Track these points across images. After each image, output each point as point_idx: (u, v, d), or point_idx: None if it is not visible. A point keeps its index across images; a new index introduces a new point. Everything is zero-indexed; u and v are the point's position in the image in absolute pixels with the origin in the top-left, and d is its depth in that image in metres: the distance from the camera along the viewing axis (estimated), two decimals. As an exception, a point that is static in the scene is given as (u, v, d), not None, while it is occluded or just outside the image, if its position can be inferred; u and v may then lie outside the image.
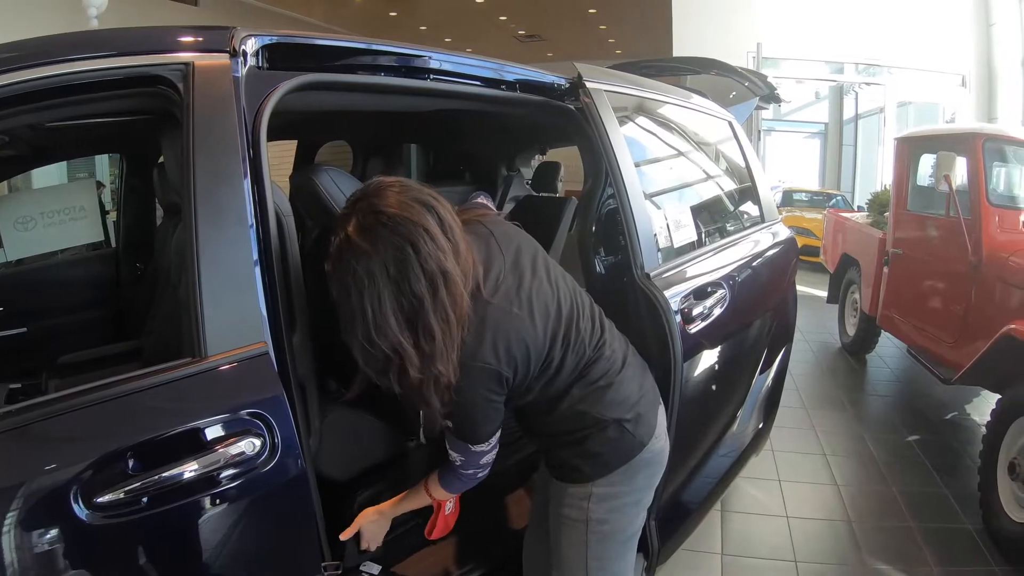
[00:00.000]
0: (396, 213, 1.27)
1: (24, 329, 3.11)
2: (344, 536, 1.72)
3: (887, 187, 6.09)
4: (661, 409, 1.73)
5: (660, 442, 1.69)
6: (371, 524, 1.75)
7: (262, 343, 1.32)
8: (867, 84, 14.26)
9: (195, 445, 1.22)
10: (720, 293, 2.27)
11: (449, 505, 1.77)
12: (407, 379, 1.32)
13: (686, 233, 2.37)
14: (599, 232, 2.19)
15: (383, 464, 2.14)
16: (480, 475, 1.62)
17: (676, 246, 2.30)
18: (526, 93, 2.14)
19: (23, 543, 1.09)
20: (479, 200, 1.89)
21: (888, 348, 6.16)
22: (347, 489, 2.05)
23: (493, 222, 1.61)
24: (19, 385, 2.78)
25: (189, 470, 1.19)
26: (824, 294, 6.83)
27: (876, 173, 13.46)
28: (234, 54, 1.46)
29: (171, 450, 1.21)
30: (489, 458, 1.59)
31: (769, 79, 4.14)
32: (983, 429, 3.38)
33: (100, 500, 1.13)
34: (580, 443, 1.60)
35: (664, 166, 2.67)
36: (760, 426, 3.10)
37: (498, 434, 1.56)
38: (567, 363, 1.55)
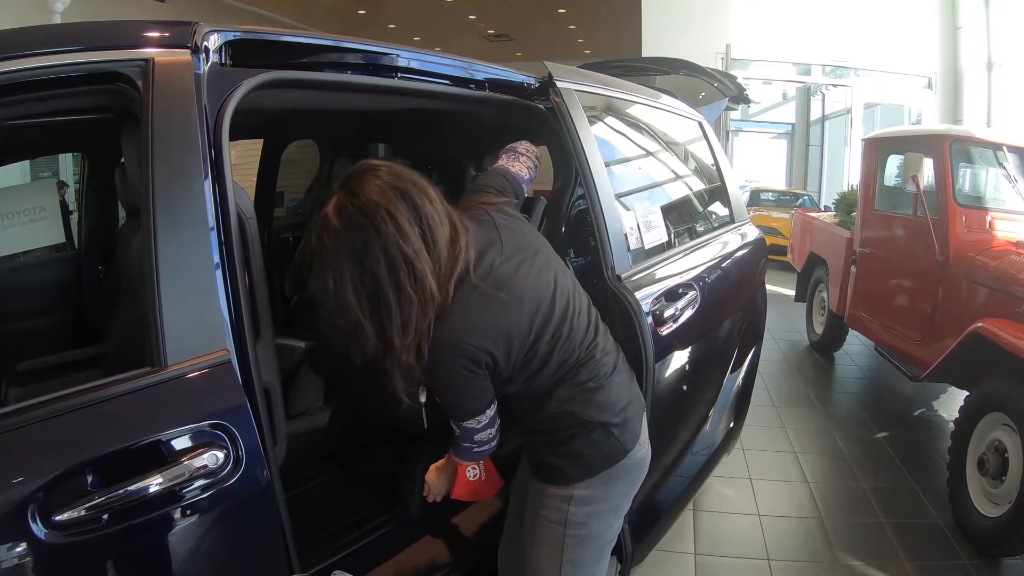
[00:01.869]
0: (368, 198, 1.35)
1: (-17, 334, 3.02)
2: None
3: (854, 187, 6.16)
4: (645, 417, 1.73)
5: (643, 450, 1.69)
6: (433, 479, 1.89)
7: (224, 351, 1.27)
8: (834, 85, 14.42)
9: (156, 459, 1.18)
10: (691, 295, 2.26)
11: (472, 471, 1.83)
12: (366, 351, 1.40)
13: (657, 234, 2.36)
14: (568, 233, 2.18)
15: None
16: (481, 448, 1.66)
17: (647, 247, 2.28)
18: (495, 92, 2.12)
19: None
20: (516, 159, 1.94)
21: (855, 346, 6.23)
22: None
23: (500, 211, 1.64)
24: (-25, 394, 2.70)
25: (151, 485, 1.15)
26: (792, 293, 6.91)
27: (843, 173, 13.61)
28: (196, 50, 1.41)
29: (132, 464, 1.16)
30: (484, 435, 1.62)
31: (738, 80, 4.16)
32: (951, 425, 3.44)
33: (59, 518, 1.08)
34: (565, 443, 1.60)
35: (635, 166, 2.66)
36: (731, 425, 3.10)
37: (489, 413, 1.58)
38: (553, 359, 1.55)
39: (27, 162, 6.21)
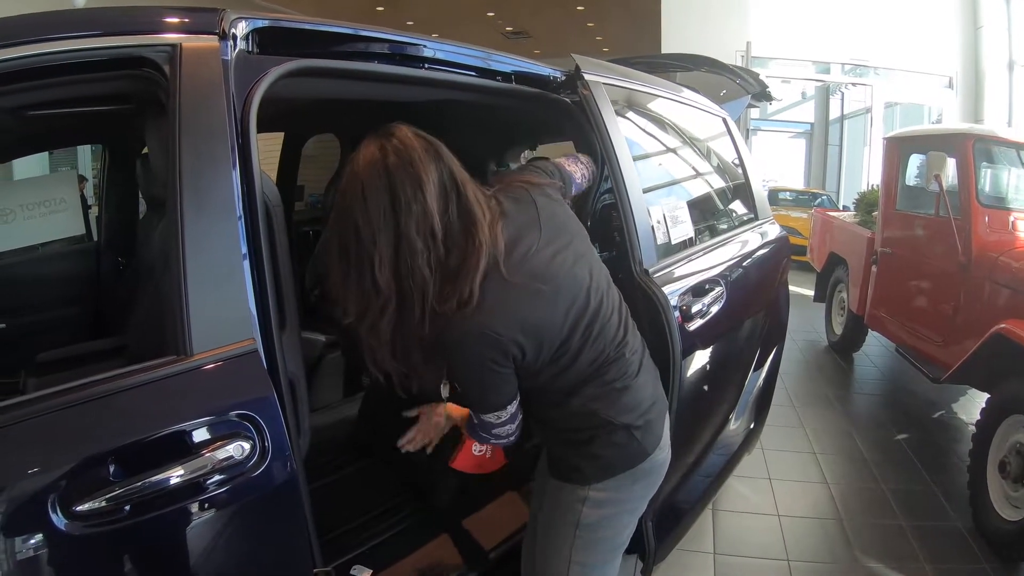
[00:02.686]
0: (391, 162, 1.30)
1: (3, 325, 3.03)
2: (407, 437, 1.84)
3: (875, 187, 6.10)
4: (667, 419, 1.68)
5: (663, 453, 1.64)
6: (430, 419, 1.86)
7: (251, 340, 1.26)
8: (854, 84, 14.31)
9: (180, 449, 1.16)
10: (718, 290, 2.24)
11: (478, 447, 1.79)
12: (348, 317, 1.34)
13: (683, 229, 2.33)
14: (595, 227, 2.15)
15: None
16: (498, 441, 1.59)
17: (674, 242, 2.26)
18: (521, 85, 2.09)
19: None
20: (573, 161, 1.91)
21: (875, 347, 6.17)
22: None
23: (542, 192, 1.55)
24: (-4, 383, 2.70)
25: (174, 476, 1.13)
26: (810, 293, 6.86)
27: (861, 173, 13.52)
28: (223, 36, 1.40)
29: (155, 454, 1.14)
30: (503, 430, 1.55)
31: (761, 77, 4.11)
32: (971, 427, 3.41)
33: (79, 508, 1.06)
34: (586, 443, 1.54)
35: (661, 161, 2.63)
36: (752, 425, 3.08)
37: (510, 409, 1.51)
38: (584, 356, 1.48)
39: (46, 156, 6.25)
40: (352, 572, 1.94)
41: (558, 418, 1.56)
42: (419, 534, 2.09)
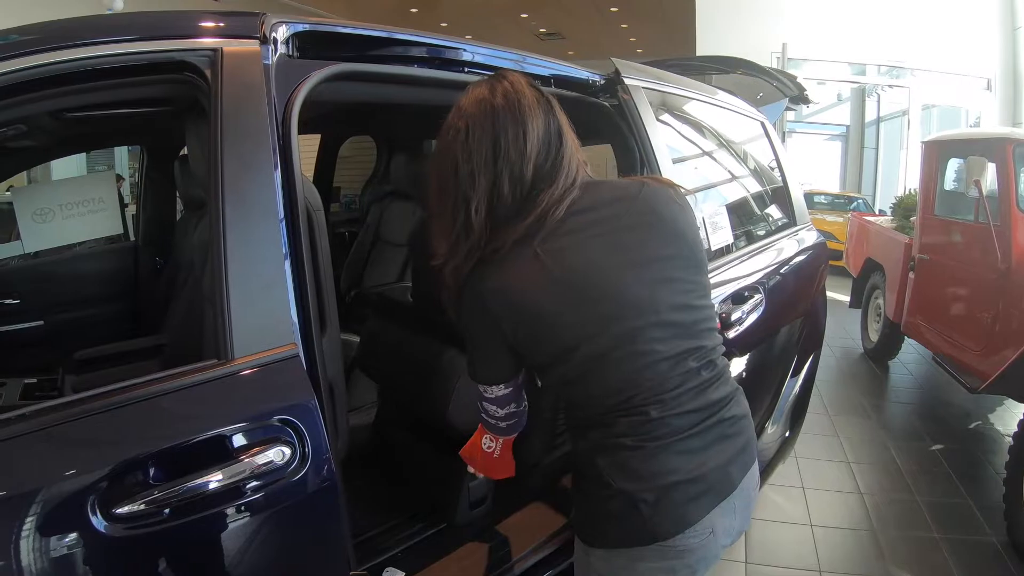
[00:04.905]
0: (498, 103, 1.26)
1: (41, 322, 3.08)
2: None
3: (912, 191, 6.01)
4: (727, 506, 1.28)
5: (700, 539, 1.25)
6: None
7: (292, 345, 1.26)
8: (891, 86, 14.10)
9: (221, 453, 1.16)
10: (757, 298, 2.21)
11: (487, 441, 1.64)
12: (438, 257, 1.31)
13: (722, 235, 2.31)
14: None
15: None
16: (488, 420, 1.48)
17: (713, 248, 2.24)
18: (560, 88, 2.08)
19: (37, 554, 1.02)
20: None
21: (911, 354, 6.08)
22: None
23: (667, 196, 1.33)
24: (34, 380, 2.74)
25: (214, 480, 1.13)
26: (846, 298, 6.77)
27: (898, 177, 13.33)
28: (264, 41, 1.41)
29: (196, 458, 1.15)
30: (492, 410, 1.44)
31: (798, 79, 4.06)
32: (1008, 440, 3.33)
33: (119, 511, 1.07)
34: (584, 494, 1.32)
35: (701, 166, 2.61)
36: (787, 434, 3.04)
37: (496, 391, 1.39)
38: (597, 378, 1.24)
39: (83, 155, 6.36)
40: (384, 574, 1.94)
41: (575, 449, 1.34)
42: (451, 539, 2.08)
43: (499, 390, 1.39)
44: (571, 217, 1.25)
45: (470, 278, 1.27)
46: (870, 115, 15.91)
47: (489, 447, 1.65)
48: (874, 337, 6.07)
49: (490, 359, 1.35)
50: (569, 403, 1.33)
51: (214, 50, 1.36)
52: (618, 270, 1.24)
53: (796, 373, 2.91)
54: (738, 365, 2.23)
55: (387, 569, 1.94)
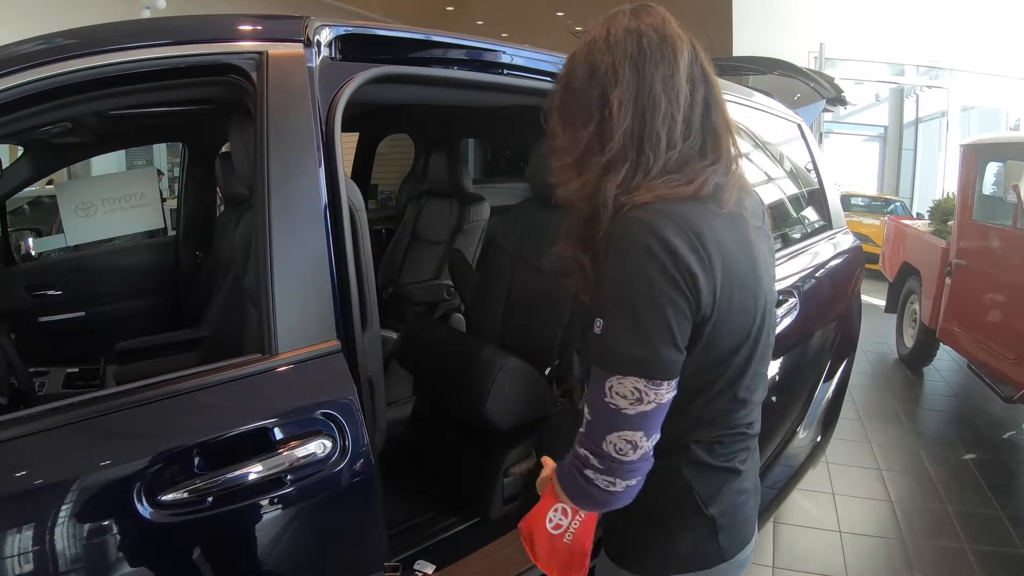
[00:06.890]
0: (668, 33, 1.05)
1: (83, 313, 3.16)
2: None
3: (950, 195, 5.92)
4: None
5: (749, 551, 1.22)
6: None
7: (334, 341, 1.30)
8: (929, 87, 13.88)
9: (264, 445, 1.20)
10: (791, 302, 2.21)
11: (555, 517, 1.17)
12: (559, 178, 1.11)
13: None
14: None
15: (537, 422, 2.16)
16: (615, 461, 0.99)
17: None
18: None
19: (86, 539, 1.07)
20: None
21: (946, 361, 5.97)
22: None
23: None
24: (76, 369, 2.82)
25: (256, 471, 1.17)
26: (881, 303, 6.69)
27: (936, 179, 13.12)
28: (308, 44, 1.44)
29: (239, 449, 1.19)
30: (638, 437, 0.98)
31: (836, 80, 4.02)
32: (1042, 451, 3.27)
33: (164, 498, 1.11)
34: (661, 521, 1.14)
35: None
36: (819, 438, 3.02)
37: (667, 395, 0.98)
38: (712, 383, 1.08)
39: (122, 151, 6.47)
40: (416, 567, 1.97)
41: (660, 471, 1.09)
42: (483, 534, 2.10)
43: (667, 392, 0.99)
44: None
45: (644, 212, 0.99)
46: (908, 116, 15.68)
47: (553, 524, 1.17)
48: (909, 343, 5.99)
49: (660, 326, 0.97)
50: (698, 421, 1.10)
51: (260, 53, 1.39)
52: (757, 269, 1.09)
53: (829, 378, 2.89)
54: (771, 368, 2.21)
55: (418, 561, 1.97)
